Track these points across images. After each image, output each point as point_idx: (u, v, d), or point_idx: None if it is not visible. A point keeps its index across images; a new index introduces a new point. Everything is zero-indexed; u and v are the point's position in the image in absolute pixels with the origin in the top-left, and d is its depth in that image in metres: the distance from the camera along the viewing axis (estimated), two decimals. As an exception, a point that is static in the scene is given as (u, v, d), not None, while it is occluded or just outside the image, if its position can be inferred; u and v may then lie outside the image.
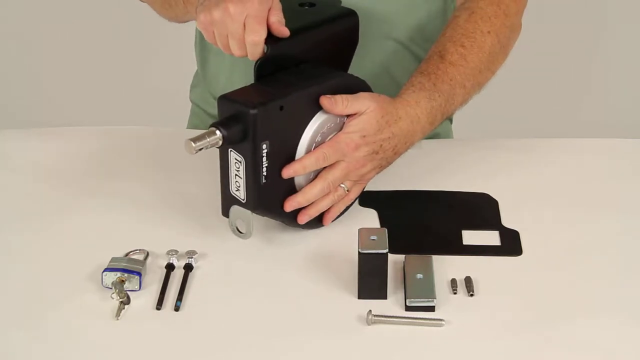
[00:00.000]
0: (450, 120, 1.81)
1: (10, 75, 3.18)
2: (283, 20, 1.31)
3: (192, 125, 1.80)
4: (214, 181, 1.36)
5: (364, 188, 1.40)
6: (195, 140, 1.26)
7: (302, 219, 1.35)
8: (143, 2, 1.63)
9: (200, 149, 1.26)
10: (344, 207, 1.39)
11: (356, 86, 1.38)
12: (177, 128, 1.72)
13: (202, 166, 1.52)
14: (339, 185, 1.36)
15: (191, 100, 1.82)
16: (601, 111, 3.15)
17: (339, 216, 1.39)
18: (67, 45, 3.15)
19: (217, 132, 1.27)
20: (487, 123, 2.92)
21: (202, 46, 1.71)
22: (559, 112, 3.14)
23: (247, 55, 1.32)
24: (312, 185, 1.34)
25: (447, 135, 1.78)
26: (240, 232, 1.33)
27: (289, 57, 1.35)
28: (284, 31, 1.31)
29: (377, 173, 1.40)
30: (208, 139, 1.26)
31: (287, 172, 1.32)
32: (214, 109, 1.72)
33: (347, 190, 1.37)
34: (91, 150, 1.60)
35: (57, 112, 3.04)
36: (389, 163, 1.41)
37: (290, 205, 1.33)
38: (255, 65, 1.34)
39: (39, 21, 3.15)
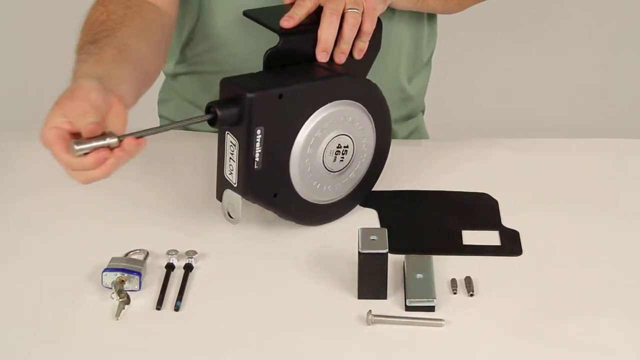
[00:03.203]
0: (422, 111, 1.81)
1: (10, 75, 3.17)
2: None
3: None
4: (214, 181, 1.36)
5: (375, 22, 1.40)
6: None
7: (341, 58, 1.38)
8: None
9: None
10: (367, 43, 1.39)
11: (368, 88, 1.38)
12: (177, 128, 1.72)
13: (202, 166, 1.52)
14: (347, 10, 1.37)
15: (162, 116, 1.79)
16: (601, 111, 3.15)
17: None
18: (67, 46, 3.15)
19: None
20: (487, 123, 2.92)
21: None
22: (559, 112, 3.14)
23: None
24: (321, 26, 1.36)
25: (421, 126, 1.80)
26: (231, 217, 1.34)
27: (301, 53, 1.36)
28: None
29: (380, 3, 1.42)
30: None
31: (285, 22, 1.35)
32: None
33: (361, 14, 1.38)
34: (91, 150, 1.60)
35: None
36: None
37: (323, 54, 1.36)
38: (264, 55, 1.34)
39: (38, 21, 3.15)
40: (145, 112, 1.85)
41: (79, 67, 1.31)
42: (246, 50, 1.57)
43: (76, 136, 1.19)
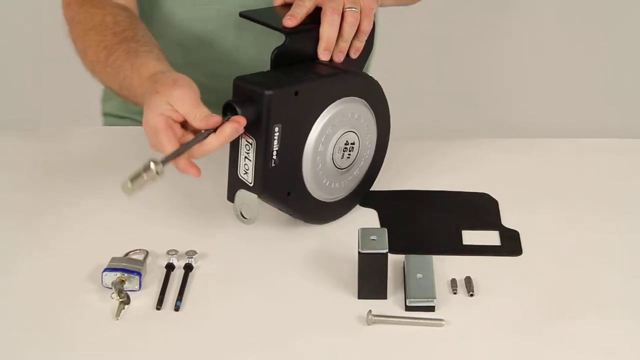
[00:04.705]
0: None
1: (10, 76, 3.17)
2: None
3: None
4: (214, 181, 1.36)
5: (373, 23, 1.42)
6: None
7: (339, 57, 1.39)
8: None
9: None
10: (364, 42, 1.41)
11: (370, 84, 1.39)
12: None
13: (202, 166, 1.52)
14: (347, 9, 1.39)
15: (107, 114, 1.80)
16: (600, 111, 3.15)
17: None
18: (67, 46, 3.15)
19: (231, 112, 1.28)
20: (487, 123, 2.92)
21: None
22: (559, 112, 3.14)
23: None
24: (323, 25, 1.37)
25: None
26: (245, 218, 1.34)
27: (305, 53, 1.37)
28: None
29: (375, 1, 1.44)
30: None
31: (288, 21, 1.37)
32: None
33: (359, 13, 1.39)
34: (91, 150, 1.60)
35: (57, 112, 3.03)
36: None
37: (325, 53, 1.38)
38: (272, 55, 1.35)
39: (38, 22, 3.15)
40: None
41: (141, 62, 1.36)
42: (210, 49, 1.59)
43: (182, 125, 1.27)
